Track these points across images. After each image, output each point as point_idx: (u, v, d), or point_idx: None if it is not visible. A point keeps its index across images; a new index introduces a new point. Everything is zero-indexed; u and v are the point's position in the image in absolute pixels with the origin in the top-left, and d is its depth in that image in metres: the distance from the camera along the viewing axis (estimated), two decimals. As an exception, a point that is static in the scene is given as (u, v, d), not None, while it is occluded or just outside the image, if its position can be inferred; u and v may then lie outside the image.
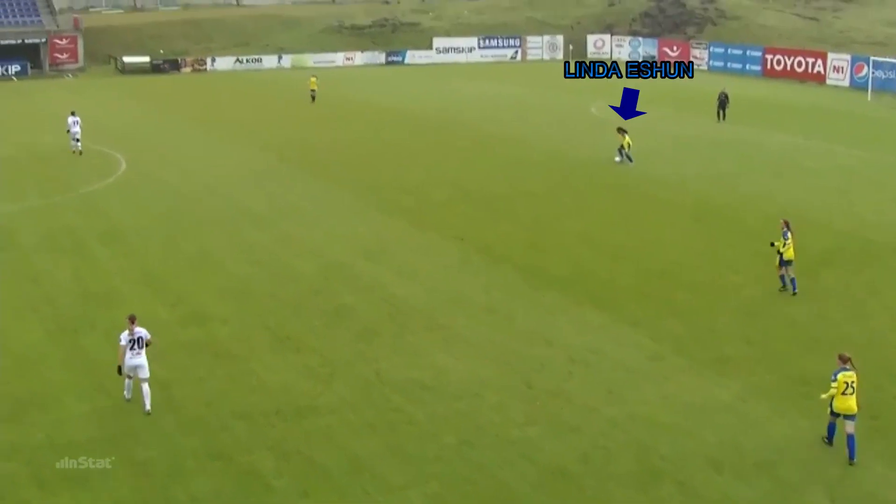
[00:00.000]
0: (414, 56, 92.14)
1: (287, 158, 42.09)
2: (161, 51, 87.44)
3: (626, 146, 39.98)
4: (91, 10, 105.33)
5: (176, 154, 43.42)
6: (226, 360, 20.16)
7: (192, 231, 30.01)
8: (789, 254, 23.69)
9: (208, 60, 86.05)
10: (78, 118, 43.84)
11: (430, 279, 25.31)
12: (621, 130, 40.85)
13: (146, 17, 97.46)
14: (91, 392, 18.75)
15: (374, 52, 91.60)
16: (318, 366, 19.92)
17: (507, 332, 21.63)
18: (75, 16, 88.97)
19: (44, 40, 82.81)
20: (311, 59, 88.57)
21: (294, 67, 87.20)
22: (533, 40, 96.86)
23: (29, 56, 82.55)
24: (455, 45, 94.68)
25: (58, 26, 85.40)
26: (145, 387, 17.84)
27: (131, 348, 17.83)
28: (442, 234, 29.39)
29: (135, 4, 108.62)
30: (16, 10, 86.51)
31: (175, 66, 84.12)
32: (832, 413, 16.24)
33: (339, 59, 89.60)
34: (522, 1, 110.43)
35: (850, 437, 16.04)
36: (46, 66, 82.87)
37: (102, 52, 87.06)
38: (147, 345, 17.94)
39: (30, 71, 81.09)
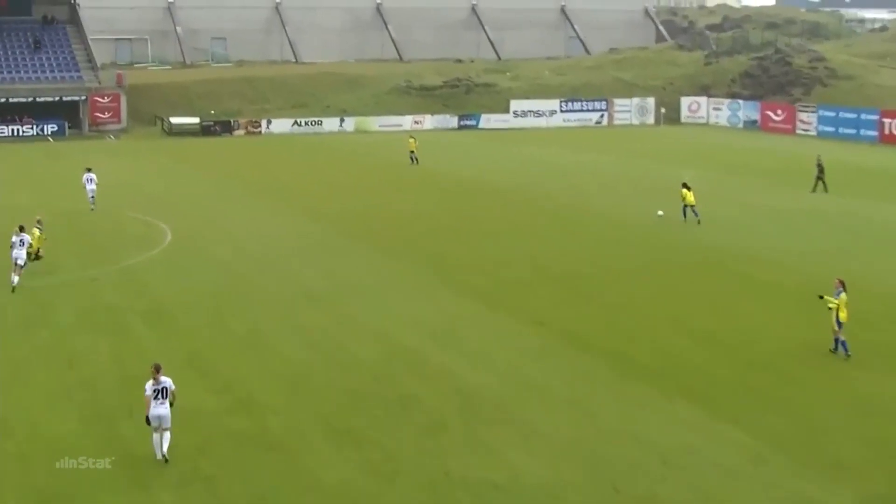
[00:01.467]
0: (489, 120, 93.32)
1: (348, 231, 42.74)
2: (212, 111, 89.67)
3: (688, 203, 43.28)
4: (136, 65, 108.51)
5: (226, 225, 44.37)
6: (277, 454, 20.39)
7: (242, 310, 30.58)
8: (843, 315, 25.26)
9: (263, 122, 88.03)
10: (94, 175, 47.72)
11: (504, 367, 25.45)
12: (685, 186, 43.94)
13: (196, 74, 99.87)
14: (127, 487, 18.96)
15: (445, 116, 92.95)
16: (379, 462, 20.08)
17: (590, 428, 21.65)
18: (118, 72, 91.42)
19: (83, 98, 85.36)
20: (375, 123, 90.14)
21: (357, 131, 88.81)
22: (621, 103, 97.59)
23: (67, 115, 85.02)
24: (534, 109, 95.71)
25: (99, 83, 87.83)
26: (167, 434, 19.96)
27: (155, 398, 19.88)
28: (518, 318, 29.57)
29: (184, 60, 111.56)
30: (54, 64, 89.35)
31: (227, 128, 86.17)
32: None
33: (406, 122, 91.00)
34: (609, 60, 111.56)
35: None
36: (86, 127, 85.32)
37: (147, 111, 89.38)
38: (173, 397, 20.03)
39: (67, 131, 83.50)
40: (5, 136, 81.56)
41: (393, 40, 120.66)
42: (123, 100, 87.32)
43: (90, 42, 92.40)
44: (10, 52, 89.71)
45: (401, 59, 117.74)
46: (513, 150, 73.33)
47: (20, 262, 33.13)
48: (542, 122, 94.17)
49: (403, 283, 33.84)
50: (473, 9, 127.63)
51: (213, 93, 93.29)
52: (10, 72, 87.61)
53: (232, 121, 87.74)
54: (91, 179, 47.54)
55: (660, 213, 44.98)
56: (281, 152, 73.23)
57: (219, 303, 31.40)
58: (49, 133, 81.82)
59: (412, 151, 65.20)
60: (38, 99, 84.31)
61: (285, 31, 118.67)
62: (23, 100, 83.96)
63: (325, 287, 33.31)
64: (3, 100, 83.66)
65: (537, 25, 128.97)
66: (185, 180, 58.71)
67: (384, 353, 26.60)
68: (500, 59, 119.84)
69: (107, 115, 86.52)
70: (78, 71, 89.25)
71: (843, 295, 25.68)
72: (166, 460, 19.76)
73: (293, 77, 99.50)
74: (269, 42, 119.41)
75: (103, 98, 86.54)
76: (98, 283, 33.99)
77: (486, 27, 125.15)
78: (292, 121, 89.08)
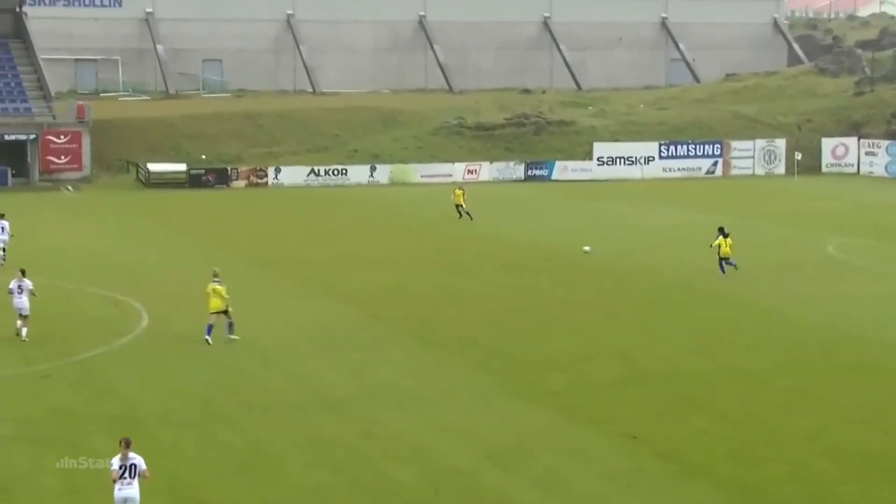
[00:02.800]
0: (565, 169, 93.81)
1: (381, 315, 42.82)
2: (203, 156, 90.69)
3: (723, 252, 48.05)
4: (103, 94, 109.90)
5: (219, 305, 44.59)
6: None
7: (241, 420, 30.56)
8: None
9: (270, 171, 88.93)
10: (6, 223, 52.31)
11: (586, 497, 25.21)
12: (722, 232, 48.63)
13: (182, 108, 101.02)
14: None
15: (508, 163, 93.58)
16: None
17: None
18: (80, 103, 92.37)
19: (33, 137, 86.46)
20: (417, 172, 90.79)
21: (393, 183, 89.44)
22: (740, 146, 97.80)
23: (11, 159, 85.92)
24: (625, 154, 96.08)
25: (54, 117, 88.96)
26: None
27: (122, 477, 21.61)
28: (605, 430, 29.36)
29: (166, 89, 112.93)
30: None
31: (223, 178, 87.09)
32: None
33: (457, 171, 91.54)
34: (725, 89, 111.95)
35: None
36: (36, 175, 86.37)
37: (117, 155, 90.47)
38: (143, 477, 21.90)
39: (10, 180, 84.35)
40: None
41: (440, 64, 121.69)
42: (86, 140, 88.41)
43: (42, 63, 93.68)
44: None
45: (450, 89, 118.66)
46: (596, 209, 73.44)
47: (24, 312, 38.71)
48: (634, 171, 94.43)
49: (453, 385, 33.72)
50: (546, 23, 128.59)
51: (204, 132, 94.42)
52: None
53: (229, 169, 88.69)
54: (3, 228, 50.30)
55: (586, 248, 51.41)
56: (293, 210, 73.80)
57: (210, 410, 31.40)
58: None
59: (459, 205, 66.62)
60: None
61: (299, 51, 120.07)
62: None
63: (349, 390, 33.27)
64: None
65: (630, 44, 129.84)
66: (166, 247, 59.17)
67: (427, 476, 26.46)
68: (580, 88, 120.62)
69: (64, 159, 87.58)
70: (25, 101, 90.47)
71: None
72: None
73: (309, 112, 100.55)
74: (278, 66, 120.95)
75: (59, 137, 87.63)
76: (48, 381, 34.16)
77: (561, 47, 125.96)
78: (308, 169, 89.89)
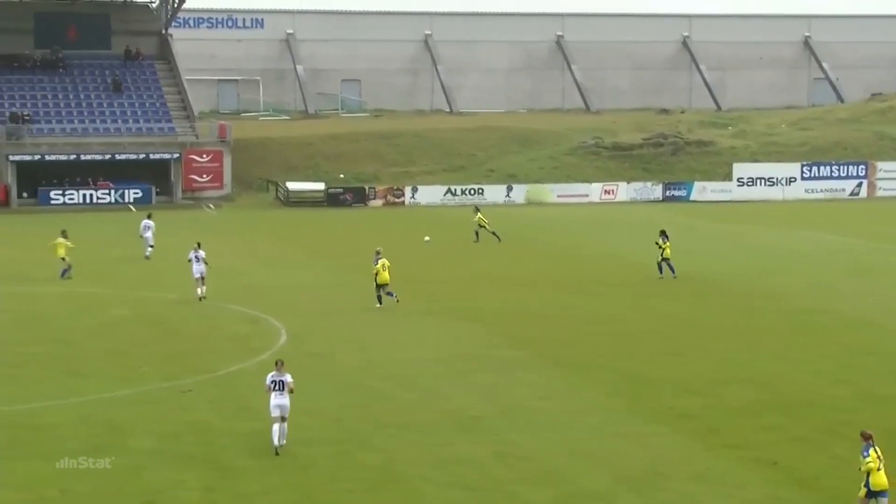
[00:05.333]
0: (704, 190, 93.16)
1: (512, 337, 42.83)
2: (341, 175, 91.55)
3: (663, 252, 53.44)
4: (244, 115, 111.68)
5: (356, 326, 45.12)
6: None
7: (375, 438, 30.74)
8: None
9: (407, 190, 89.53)
10: (152, 223, 60.67)
11: (722, 526, 25.01)
12: (663, 234, 54.23)
13: (321, 127, 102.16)
14: None
15: (645, 184, 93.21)
16: None
17: None
18: (221, 123, 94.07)
19: (176, 156, 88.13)
20: (553, 192, 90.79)
21: (529, 202, 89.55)
22: (886, 167, 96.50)
23: (155, 177, 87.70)
24: (766, 175, 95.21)
25: (196, 137, 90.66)
26: (284, 425, 29.15)
27: (275, 389, 29.20)
28: (741, 456, 29.03)
29: (305, 109, 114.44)
30: (138, 112, 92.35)
31: (361, 196, 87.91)
32: (868, 494, 23.73)
33: (594, 192, 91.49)
34: (870, 108, 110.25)
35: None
36: (178, 193, 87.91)
37: (257, 174, 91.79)
38: (290, 390, 29.21)
39: (154, 198, 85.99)
40: (76, 204, 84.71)
41: (578, 84, 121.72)
42: (227, 159, 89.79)
43: (185, 84, 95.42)
44: (83, 96, 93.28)
45: (588, 108, 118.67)
46: (736, 231, 72.72)
47: (202, 275, 49.37)
48: (775, 192, 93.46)
49: (586, 407, 33.62)
50: (685, 43, 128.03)
51: (342, 151, 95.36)
52: (81, 121, 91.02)
53: (367, 188, 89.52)
54: (148, 227, 61.14)
55: (426, 238, 57.35)
56: (428, 229, 74.05)
57: (344, 428, 31.65)
58: (131, 200, 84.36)
59: (482, 227, 67.45)
60: (117, 156, 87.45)
61: (437, 72, 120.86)
62: (98, 157, 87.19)
63: (481, 410, 33.32)
64: (72, 157, 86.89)
65: (771, 64, 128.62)
66: (304, 266, 59.91)
67: (560, 498, 26.38)
68: (719, 108, 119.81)
69: (205, 178, 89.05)
70: (169, 121, 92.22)
71: None
72: (277, 453, 28.49)
73: (446, 132, 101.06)
74: (415, 86, 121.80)
75: (201, 156, 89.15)
76: (189, 396, 34.77)
77: (701, 67, 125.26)
78: (444, 189, 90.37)
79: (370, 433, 31.26)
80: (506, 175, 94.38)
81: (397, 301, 47.56)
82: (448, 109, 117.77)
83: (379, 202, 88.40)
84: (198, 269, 49.53)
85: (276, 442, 28.96)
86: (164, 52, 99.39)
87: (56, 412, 32.96)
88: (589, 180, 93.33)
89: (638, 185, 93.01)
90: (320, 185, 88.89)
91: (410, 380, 36.82)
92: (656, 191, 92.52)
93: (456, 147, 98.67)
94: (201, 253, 49.92)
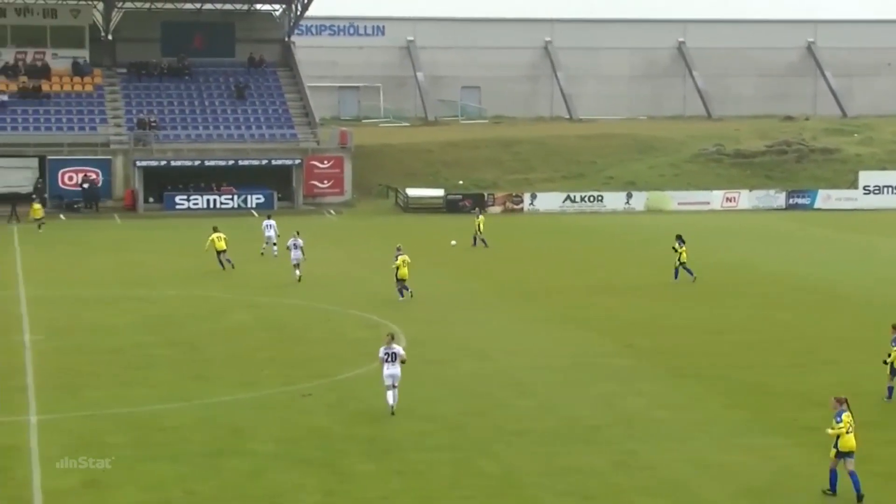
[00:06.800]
0: (829, 198, 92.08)
1: (632, 344, 42.73)
2: (460, 181, 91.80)
3: (680, 256, 54.96)
4: (364, 121, 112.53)
5: (475, 333, 45.19)
6: None
7: (493, 446, 30.79)
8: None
9: (526, 197, 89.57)
10: (273, 222, 64.01)
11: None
12: (679, 239, 55.70)
13: (440, 134, 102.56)
14: None
15: (768, 192, 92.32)
16: None
17: None
18: (342, 129, 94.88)
19: (298, 162, 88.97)
20: (673, 200, 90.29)
21: (649, 210, 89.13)
22: None
23: (277, 183, 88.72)
24: (893, 183, 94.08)
25: (318, 143, 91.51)
26: (396, 391, 32.96)
27: (387, 360, 32.88)
28: (868, 470, 28.36)
29: (425, 115, 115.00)
30: (261, 119, 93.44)
31: (479, 202, 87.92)
32: (837, 455, 26.42)
33: (715, 199, 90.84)
34: None
35: (853, 474, 26.24)
36: (300, 199, 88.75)
37: (377, 180, 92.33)
38: (402, 361, 33.06)
39: (276, 203, 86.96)
40: (199, 209, 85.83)
41: (699, 91, 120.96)
42: (348, 165, 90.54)
43: (307, 90, 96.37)
44: (207, 103, 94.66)
45: (709, 115, 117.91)
46: (863, 241, 71.82)
47: (298, 261, 54.95)
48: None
49: (707, 418, 33.41)
50: (809, 48, 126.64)
51: (462, 158, 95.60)
52: (206, 127, 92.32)
53: (486, 194, 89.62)
54: (270, 226, 63.66)
55: (453, 242, 61.37)
56: (547, 236, 74.13)
57: (463, 435, 31.77)
58: (254, 206, 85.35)
59: (479, 230, 68.57)
60: (240, 162, 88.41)
61: (556, 78, 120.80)
62: (221, 163, 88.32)
63: (600, 419, 33.26)
64: (197, 162, 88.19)
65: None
66: (424, 272, 60.09)
67: (682, 512, 26.33)
68: (845, 115, 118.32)
69: (326, 184, 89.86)
70: (291, 127, 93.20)
71: None
72: (393, 413, 32.53)
73: (566, 139, 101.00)
74: (534, 93, 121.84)
75: (323, 162, 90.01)
76: (308, 401, 35.09)
77: (826, 73, 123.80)
78: (563, 196, 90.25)
79: (489, 440, 31.35)
80: (625, 182, 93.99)
81: (412, 296, 50.55)
82: (568, 116, 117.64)
83: (497, 209, 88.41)
84: (295, 255, 54.94)
85: (390, 402, 33.02)
86: (287, 60, 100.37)
87: (180, 414, 33.53)
88: (710, 188, 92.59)
89: (760, 192, 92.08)
90: (439, 192, 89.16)
91: (529, 388, 36.87)
92: (779, 199, 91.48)
93: (575, 154, 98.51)
94: (299, 241, 55.09)
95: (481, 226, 69.09)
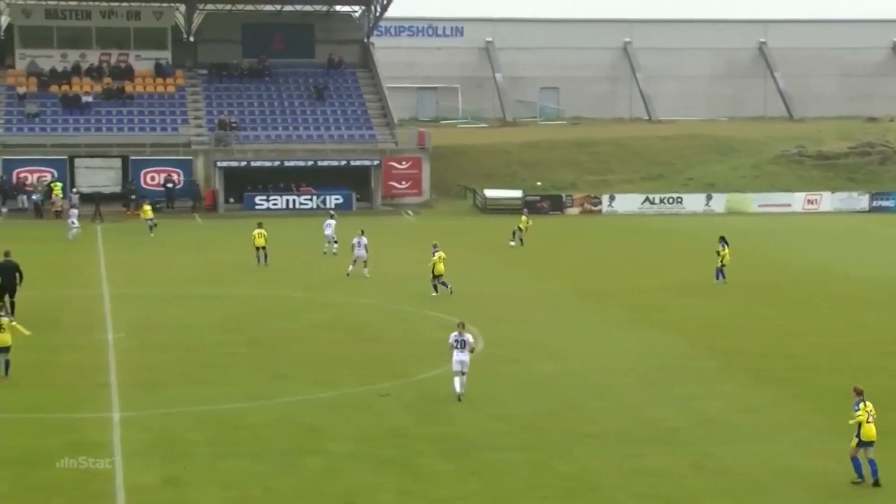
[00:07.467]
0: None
1: (711, 347, 42.58)
2: (538, 182, 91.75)
3: (722, 259, 55.78)
4: (442, 122, 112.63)
5: (553, 334, 45.29)
6: None
7: (569, 447, 30.84)
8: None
9: (604, 198, 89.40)
10: (333, 221, 65.15)
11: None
12: (722, 241, 56.27)
13: (518, 135, 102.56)
14: None
15: (851, 194, 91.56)
16: None
17: None
18: (421, 130, 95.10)
19: (376, 163, 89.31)
20: (754, 202, 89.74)
21: (729, 212, 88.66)
22: None
23: (355, 184, 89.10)
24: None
25: (396, 144, 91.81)
26: (464, 378, 34.28)
27: (456, 347, 34.21)
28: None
29: (503, 116, 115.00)
30: (340, 119, 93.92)
31: (557, 204, 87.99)
32: (859, 444, 27.34)
33: (797, 201, 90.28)
34: None
35: (872, 462, 27.37)
36: (378, 199, 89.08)
37: (455, 181, 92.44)
38: (471, 349, 34.39)
39: (355, 204, 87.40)
40: (279, 209, 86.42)
41: (780, 91, 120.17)
42: (426, 166, 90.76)
43: (386, 91, 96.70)
44: (286, 104, 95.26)
45: (791, 116, 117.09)
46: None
47: (363, 258, 57.12)
48: None
49: (788, 422, 33.22)
50: (895, 48, 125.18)
51: (540, 159, 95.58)
52: (286, 128, 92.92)
53: (564, 196, 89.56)
54: (329, 225, 65.31)
55: (511, 243, 65.43)
56: (626, 239, 73.91)
57: (539, 436, 31.81)
58: (332, 206, 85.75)
59: (520, 229, 68.88)
60: (319, 163, 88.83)
61: (636, 79, 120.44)
62: (300, 163, 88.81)
63: (679, 421, 33.18)
64: (276, 163, 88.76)
65: None
66: (500, 272, 60.31)
67: (759, 514, 26.22)
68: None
69: (404, 184, 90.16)
70: (370, 128, 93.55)
71: None
72: (460, 399, 33.88)
73: (645, 140, 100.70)
74: (613, 94, 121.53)
75: (401, 163, 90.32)
76: (386, 400, 35.28)
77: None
78: (642, 197, 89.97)
79: (566, 442, 31.38)
80: (705, 184, 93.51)
81: (451, 292, 51.97)
82: (647, 117, 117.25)
83: (576, 210, 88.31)
84: (358, 253, 57.04)
85: (458, 390, 34.40)
86: (366, 60, 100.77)
87: (259, 412, 33.82)
88: (791, 190, 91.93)
89: (843, 194, 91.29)
90: (517, 193, 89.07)
91: (606, 389, 36.83)
92: (862, 201, 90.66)
93: (654, 155, 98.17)
94: (363, 239, 57.29)
95: (524, 225, 69.34)
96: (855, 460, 27.62)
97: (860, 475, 27.52)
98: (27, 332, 38.31)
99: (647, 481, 28.23)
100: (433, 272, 52.37)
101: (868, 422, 27.49)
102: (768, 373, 38.89)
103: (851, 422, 27.83)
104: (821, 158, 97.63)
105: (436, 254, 52.60)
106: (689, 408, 34.64)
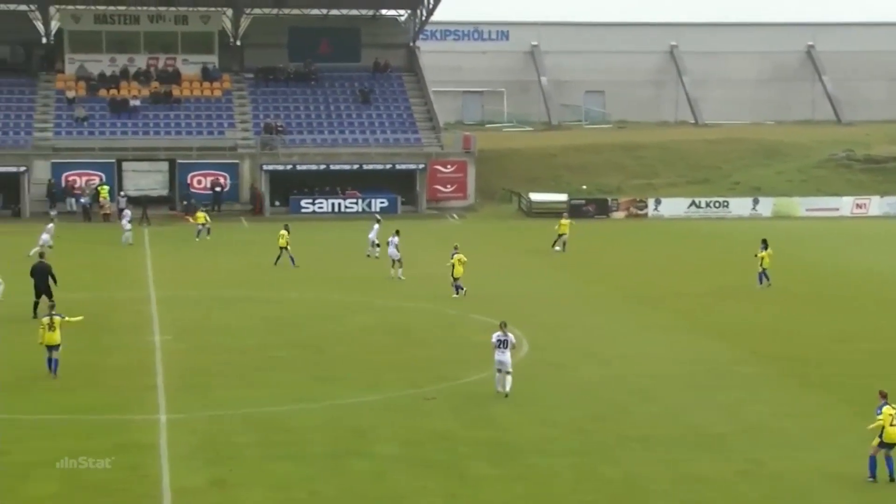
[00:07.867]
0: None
1: (757, 352, 42.39)
2: (584, 186, 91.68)
3: (762, 262, 55.63)
4: (487, 126, 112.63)
5: (597, 339, 45.24)
6: None
7: (615, 452, 30.78)
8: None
9: (650, 202, 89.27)
10: (377, 225, 65.27)
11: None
12: (764, 243, 56.13)
13: (563, 139, 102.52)
14: None
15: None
16: None
17: None
18: (466, 134, 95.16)
19: (422, 166, 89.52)
20: (801, 206, 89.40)
21: (776, 216, 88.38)
22: None
23: (400, 187, 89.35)
24: None
25: (441, 147, 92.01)
26: (508, 377, 35.12)
27: (498, 347, 35.03)
28: None
29: (549, 120, 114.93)
30: (385, 123, 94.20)
31: (603, 208, 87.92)
32: (880, 445, 27.76)
33: (845, 206, 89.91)
34: None
35: (889, 459, 27.84)
36: (423, 203, 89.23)
37: (500, 184, 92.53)
38: (512, 348, 35.27)
39: (400, 208, 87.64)
40: (325, 212, 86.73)
41: (829, 95, 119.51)
42: (471, 169, 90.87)
43: (431, 95, 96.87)
44: (332, 108, 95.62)
45: (839, 120, 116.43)
46: None
47: (396, 258, 57.86)
48: None
49: (835, 428, 33.04)
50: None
51: (585, 163, 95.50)
52: (331, 131, 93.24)
53: (609, 199, 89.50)
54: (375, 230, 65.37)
55: (556, 248, 65.87)
56: (671, 242, 73.74)
57: (585, 441, 31.76)
58: (377, 210, 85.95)
59: (561, 234, 68.36)
60: (364, 166, 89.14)
61: (682, 83, 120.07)
62: (346, 167, 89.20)
63: (724, 427, 33.04)
64: (322, 166, 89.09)
65: None
66: (546, 276, 60.23)
67: (810, 523, 26.12)
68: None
69: (450, 188, 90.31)
70: (416, 132, 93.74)
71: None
72: (507, 396, 34.75)
73: (691, 144, 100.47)
74: (659, 98, 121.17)
75: (446, 167, 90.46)
76: (432, 404, 35.31)
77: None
78: (688, 201, 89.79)
79: (612, 446, 31.32)
80: (751, 188, 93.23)
81: (465, 294, 52.65)
82: (693, 121, 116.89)
83: (621, 214, 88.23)
84: (390, 251, 58.13)
85: (498, 388, 35.43)
86: (412, 64, 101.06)
87: (305, 415, 33.93)
88: (839, 194, 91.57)
89: (891, 199, 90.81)
90: (563, 197, 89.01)
91: (652, 394, 36.74)
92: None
93: (700, 159, 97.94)
94: (395, 239, 58.32)
95: (564, 229, 69.02)
96: (871, 459, 27.91)
97: (873, 475, 27.85)
98: (78, 318, 38.75)
99: (694, 487, 28.14)
100: (452, 274, 53.16)
101: (892, 425, 27.78)
102: (815, 378, 38.72)
103: (871, 426, 28.32)
104: (869, 162, 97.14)
105: (454, 256, 53.52)
106: (735, 413, 34.51)
